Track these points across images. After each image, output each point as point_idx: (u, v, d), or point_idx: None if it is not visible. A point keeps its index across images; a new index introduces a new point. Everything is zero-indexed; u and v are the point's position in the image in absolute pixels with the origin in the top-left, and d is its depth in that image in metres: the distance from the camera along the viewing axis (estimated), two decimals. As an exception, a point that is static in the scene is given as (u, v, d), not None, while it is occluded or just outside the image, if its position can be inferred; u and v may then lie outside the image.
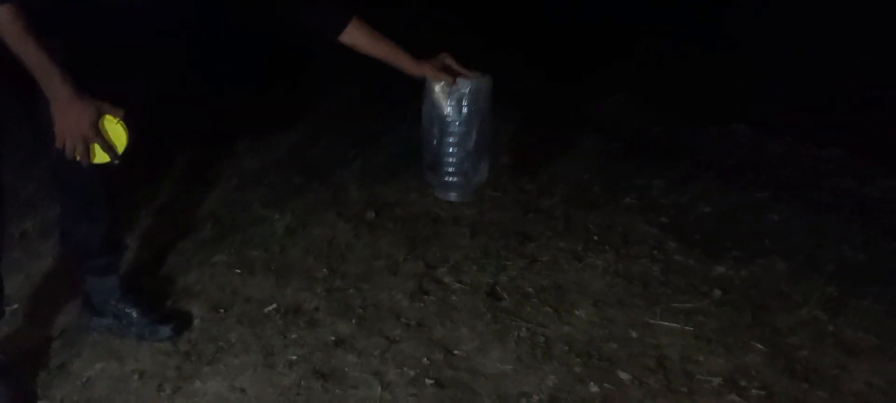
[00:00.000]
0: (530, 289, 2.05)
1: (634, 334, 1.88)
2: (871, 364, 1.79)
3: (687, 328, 1.90)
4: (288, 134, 2.96)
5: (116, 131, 1.45)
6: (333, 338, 1.83)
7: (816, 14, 3.88)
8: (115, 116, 1.44)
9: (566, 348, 1.82)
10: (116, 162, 1.48)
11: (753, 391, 1.69)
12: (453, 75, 1.66)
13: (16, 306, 1.88)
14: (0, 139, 1.54)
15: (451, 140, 1.70)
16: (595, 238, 2.31)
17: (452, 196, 1.78)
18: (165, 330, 1.80)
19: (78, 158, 1.45)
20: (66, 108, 1.41)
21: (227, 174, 2.62)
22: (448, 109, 1.67)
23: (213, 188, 2.51)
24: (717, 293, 2.04)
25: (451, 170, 1.73)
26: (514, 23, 4.18)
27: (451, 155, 1.71)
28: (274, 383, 1.69)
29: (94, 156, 1.46)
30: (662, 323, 1.92)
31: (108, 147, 1.46)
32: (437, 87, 1.67)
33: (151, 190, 2.45)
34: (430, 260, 2.17)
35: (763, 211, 2.51)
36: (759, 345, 1.84)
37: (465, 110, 1.67)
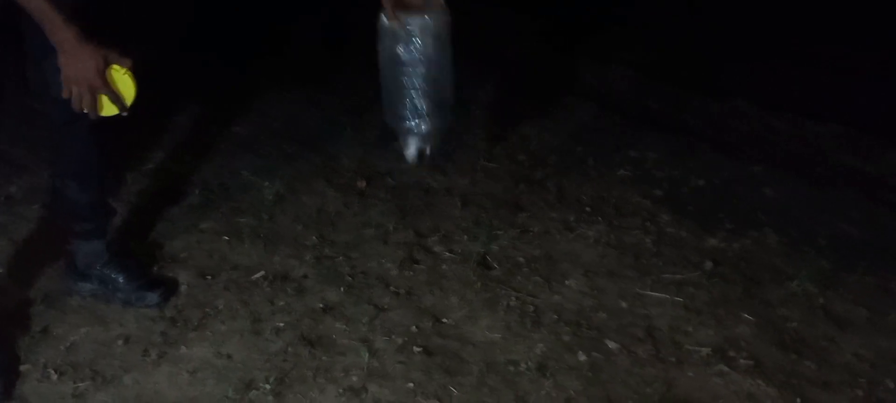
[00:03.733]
0: (521, 259, 2.03)
1: (624, 304, 1.87)
2: (861, 336, 1.79)
3: (677, 299, 1.89)
4: (280, 102, 2.92)
5: (125, 81, 1.41)
6: (321, 305, 1.82)
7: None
8: (122, 66, 1.40)
9: (555, 317, 1.81)
10: (125, 114, 1.43)
11: (742, 361, 1.69)
12: (405, 9, 1.54)
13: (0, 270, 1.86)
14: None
15: (405, 80, 1.57)
16: (587, 209, 2.30)
17: (412, 143, 1.63)
18: (152, 297, 1.78)
19: (85, 110, 1.41)
20: (72, 55, 1.37)
21: (217, 140, 2.58)
22: (399, 47, 1.54)
23: (203, 154, 2.48)
24: (709, 265, 2.03)
25: (406, 112, 1.60)
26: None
27: (407, 96, 1.58)
28: (261, 349, 1.68)
29: (102, 107, 1.42)
30: (653, 293, 1.91)
31: (116, 98, 1.41)
32: (386, 23, 1.54)
33: (140, 154, 2.42)
34: (420, 230, 2.15)
35: (758, 185, 2.49)
36: (749, 317, 1.83)
37: (417, 47, 1.54)
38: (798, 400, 1.59)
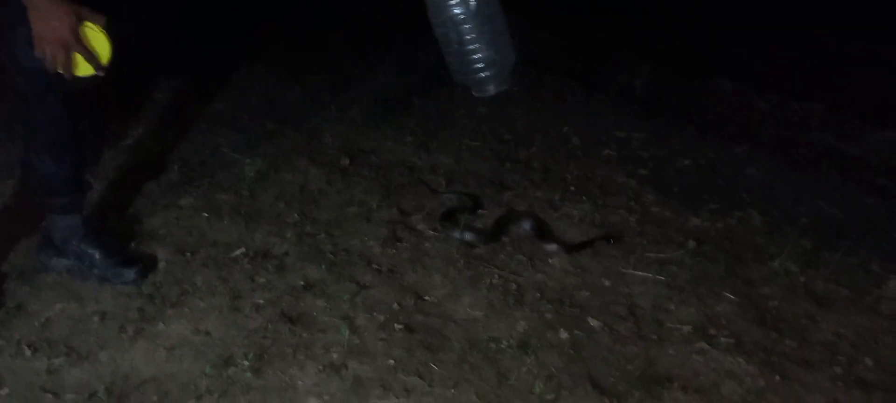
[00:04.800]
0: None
1: (607, 283, 1.87)
2: (841, 315, 1.80)
3: (659, 277, 1.89)
4: (262, 78, 2.88)
5: (99, 39, 1.38)
6: (303, 283, 1.80)
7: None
8: (96, 24, 1.37)
9: (538, 295, 1.80)
10: (101, 73, 1.40)
11: (723, 339, 1.69)
12: None
13: (-27, 245, 1.82)
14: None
15: (469, 37, 1.65)
16: (572, 188, 2.29)
17: (491, 88, 1.74)
18: (129, 273, 1.75)
19: (59, 69, 1.38)
20: (43, 12, 1.34)
21: (197, 117, 2.54)
22: (456, 9, 1.62)
23: (182, 130, 2.44)
24: (692, 244, 2.03)
25: (480, 65, 1.69)
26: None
27: (475, 50, 1.66)
28: (240, 326, 1.66)
29: (78, 67, 1.39)
30: (636, 272, 1.91)
31: (91, 56, 1.38)
32: None
33: (119, 129, 2.37)
34: (404, 208, 2.13)
35: (742, 165, 2.50)
36: (730, 295, 1.84)
37: (471, 3, 1.62)
38: (777, 378, 1.60)
